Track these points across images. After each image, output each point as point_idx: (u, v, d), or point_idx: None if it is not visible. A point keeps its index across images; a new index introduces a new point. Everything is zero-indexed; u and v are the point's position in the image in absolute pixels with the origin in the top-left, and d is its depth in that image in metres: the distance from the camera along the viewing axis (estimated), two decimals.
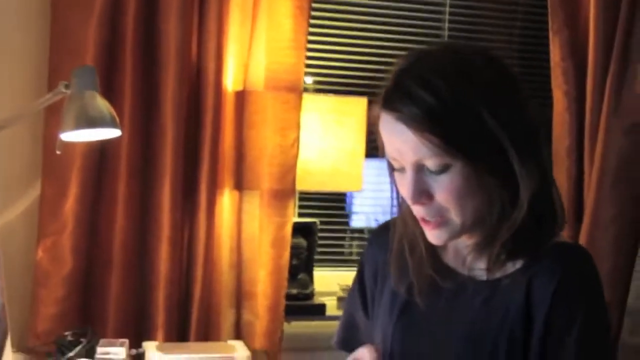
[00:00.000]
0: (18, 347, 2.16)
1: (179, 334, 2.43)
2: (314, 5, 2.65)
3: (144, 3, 2.37)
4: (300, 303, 2.68)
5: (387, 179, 1.39)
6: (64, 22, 2.33)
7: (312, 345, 2.63)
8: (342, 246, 3.10)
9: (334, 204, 3.06)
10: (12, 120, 2.02)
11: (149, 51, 2.40)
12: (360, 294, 1.57)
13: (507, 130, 1.26)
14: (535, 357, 1.29)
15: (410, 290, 1.43)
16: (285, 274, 2.55)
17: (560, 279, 1.28)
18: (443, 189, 1.27)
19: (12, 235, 2.38)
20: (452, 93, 1.24)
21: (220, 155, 2.47)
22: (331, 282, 2.82)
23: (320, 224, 2.85)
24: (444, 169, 1.26)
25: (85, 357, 2.00)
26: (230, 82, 2.49)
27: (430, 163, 1.26)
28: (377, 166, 2.87)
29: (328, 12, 2.97)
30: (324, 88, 2.97)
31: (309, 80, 2.94)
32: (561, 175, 2.77)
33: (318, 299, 2.74)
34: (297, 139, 2.54)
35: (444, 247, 1.42)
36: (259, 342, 2.50)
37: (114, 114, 1.98)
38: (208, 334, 2.46)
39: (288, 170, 2.53)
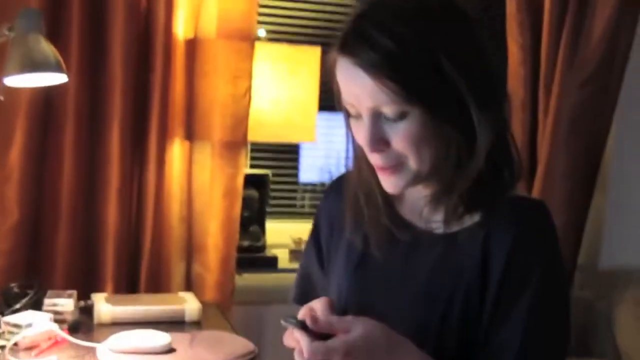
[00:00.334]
0: None
1: (128, 286, 2.40)
2: None
3: None
4: (252, 255, 2.66)
5: (339, 132, 1.36)
6: None
7: (264, 298, 2.62)
8: (294, 198, 3.08)
9: (286, 156, 3.02)
10: None
11: None
12: (315, 249, 1.54)
13: (465, 78, 1.22)
14: (490, 311, 1.27)
15: (366, 241, 1.40)
16: (237, 226, 2.52)
17: (517, 233, 1.26)
18: (400, 136, 1.24)
19: None
20: (412, 39, 1.21)
21: (171, 104, 2.42)
22: (283, 234, 2.80)
23: (272, 176, 2.82)
24: (401, 116, 1.23)
25: (32, 308, 1.94)
26: (181, 29, 2.43)
27: (388, 110, 1.23)
28: (329, 119, 2.84)
29: None
30: (277, 37, 2.91)
31: (262, 33, 2.88)
32: (516, 127, 2.76)
33: (270, 252, 2.72)
34: (249, 89, 2.49)
35: (400, 199, 1.39)
36: (210, 294, 2.47)
37: (60, 58, 1.91)
38: (158, 286, 2.43)
39: (240, 120, 2.49)
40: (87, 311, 2.07)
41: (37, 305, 1.97)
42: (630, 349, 2.66)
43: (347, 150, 1.40)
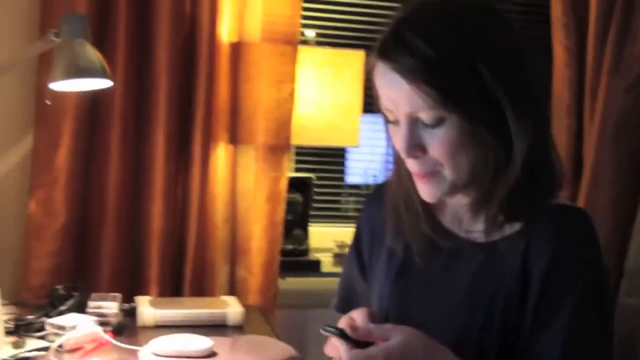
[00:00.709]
0: (11, 300, 2.13)
1: (172, 289, 2.41)
2: None
3: None
4: (295, 259, 2.66)
5: (384, 135, 1.36)
6: None
7: (307, 301, 2.62)
8: (338, 202, 3.08)
9: (331, 160, 3.02)
10: (3, 68, 1.97)
11: (143, 1, 2.35)
12: (357, 257, 1.54)
13: (503, 85, 1.22)
14: (530, 320, 1.26)
15: (407, 249, 1.40)
16: (280, 229, 2.53)
17: (558, 243, 1.25)
18: (437, 142, 1.24)
19: (5, 188, 2.36)
20: (450, 44, 1.20)
21: (215, 108, 2.43)
22: (327, 238, 2.80)
23: (316, 179, 2.82)
24: (438, 122, 1.22)
25: (77, 311, 1.97)
26: (226, 33, 2.44)
27: (425, 115, 1.22)
28: (374, 122, 2.83)
29: None
30: (322, 40, 2.91)
31: (312, 33, 2.89)
32: (561, 132, 2.73)
33: (313, 255, 2.72)
34: (293, 93, 2.50)
35: (441, 207, 1.39)
36: (253, 298, 2.48)
37: (105, 63, 1.93)
38: (202, 289, 2.44)
39: (283, 124, 2.49)
40: (130, 314, 2.09)
41: (81, 308, 2.00)
42: None
43: (387, 156, 1.40)
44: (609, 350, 1.28)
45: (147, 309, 2.06)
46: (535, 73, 1.31)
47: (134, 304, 2.12)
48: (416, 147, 1.25)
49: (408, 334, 1.20)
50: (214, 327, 2.05)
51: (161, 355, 1.79)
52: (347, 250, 1.62)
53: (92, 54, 1.89)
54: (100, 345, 1.86)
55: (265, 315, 2.28)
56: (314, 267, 2.67)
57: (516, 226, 1.29)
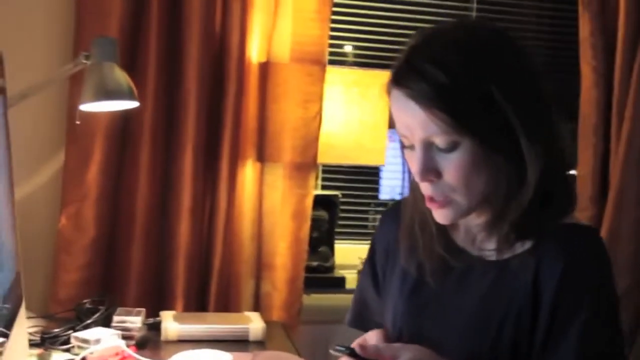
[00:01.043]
0: (39, 313, 2.19)
1: (198, 305, 2.46)
2: None
3: None
4: (320, 276, 2.69)
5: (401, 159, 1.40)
6: None
7: (331, 318, 2.63)
8: (364, 219, 3.11)
9: (357, 178, 3.05)
10: (35, 89, 2.04)
11: (173, 20, 2.41)
12: (371, 273, 1.58)
13: (516, 109, 1.25)
14: (541, 339, 1.28)
15: (420, 269, 1.43)
16: (305, 246, 2.56)
17: (567, 261, 1.27)
18: (451, 167, 1.27)
19: (37, 203, 2.42)
20: (462, 71, 1.24)
21: (243, 126, 2.48)
22: (352, 255, 2.83)
23: (343, 197, 2.85)
24: (452, 147, 1.25)
25: (103, 325, 2.02)
26: (255, 53, 2.49)
27: (439, 140, 1.26)
28: None
29: None
30: (360, 53, 2.95)
31: (349, 48, 2.93)
32: (587, 153, 2.74)
33: (338, 272, 2.75)
34: (320, 112, 2.54)
35: (454, 226, 1.42)
36: (277, 313, 2.52)
37: (132, 85, 1.99)
38: (228, 305, 2.49)
39: (310, 143, 2.54)
40: (155, 328, 2.14)
41: (107, 322, 2.04)
42: None
43: (404, 179, 1.43)
44: None
45: (171, 324, 2.11)
46: (549, 96, 1.33)
47: (158, 318, 2.17)
48: (431, 171, 1.28)
49: (417, 351, 1.23)
50: (236, 342, 2.09)
51: None
52: None
53: (120, 77, 1.95)
54: (123, 359, 1.91)
55: (288, 331, 2.32)
56: (338, 284, 2.70)
57: (527, 244, 1.32)
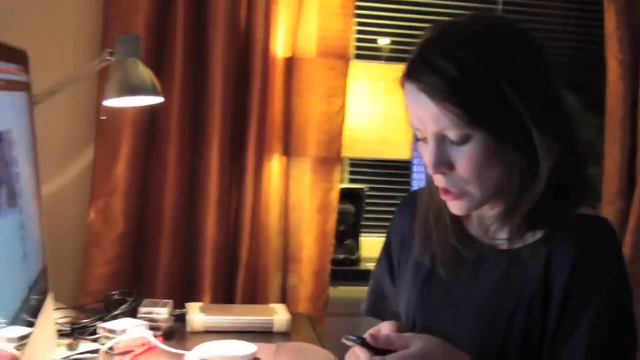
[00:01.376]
0: (70, 305, 2.24)
1: (226, 297, 2.50)
2: None
3: None
4: (346, 269, 2.72)
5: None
6: None
7: (358, 310, 2.64)
8: (391, 213, 3.11)
9: (387, 171, 3.06)
10: (62, 86, 2.08)
11: (199, 17, 2.44)
12: (387, 263, 1.60)
13: (527, 103, 1.26)
14: (552, 329, 1.29)
15: (434, 260, 1.45)
16: (331, 240, 2.59)
17: (579, 252, 1.28)
18: (464, 159, 1.28)
19: (68, 198, 2.47)
20: (474, 64, 1.25)
21: (269, 121, 2.51)
22: (379, 248, 2.82)
23: (370, 190, 2.87)
24: (465, 140, 1.27)
25: (130, 316, 2.06)
26: (280, 48, 2.52)
27: (452, 134, 1.27)
28: None
29: None
30: (396, 49, 2.97)
31: (386, 41, 2.95)
32: (614, 147, 2.73)
33: (365, 265, 2.77)
34: (344, 107, 2.57)
35: (468, 217, 1.43)
36: (304, 306, 2.55)
37: (156, 81, 2.03)
38: (255, 297, 2.52)
39: (334, 137, 2.56)
40: (182, 319, 2.17)
41: (134, 313, 2.09)
42: None
43: (421, 172, 1.45)
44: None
45: (197, 315, 2.14)
46: (560, 89, 1.34)
47: (185, 310, 2.20)
48: (443, 164, 1.30)
49: (428, 341, 1.24)
50: (262, 334, 2.12)
51: None
52: None
53: (144, 73, 1.99)
54: (149, 349, 1.95)
55: (313, 323, 2.34)
56: (365, 277, 2.69)
57: (539, 234, 1.33)
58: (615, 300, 1.29)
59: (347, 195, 2.72)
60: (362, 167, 3.02)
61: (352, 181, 2.94)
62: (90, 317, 2.07)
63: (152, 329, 2.01)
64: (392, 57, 2.98)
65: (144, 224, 2.46)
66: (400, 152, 2.70)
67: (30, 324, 1.46)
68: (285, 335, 2.16)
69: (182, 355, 1.90)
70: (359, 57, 2.89)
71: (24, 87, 1.66)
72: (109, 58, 2.00)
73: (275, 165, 2.54)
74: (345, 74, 2.57)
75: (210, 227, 2.45)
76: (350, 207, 2.75)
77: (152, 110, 2.36)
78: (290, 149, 2.57)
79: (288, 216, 2.58)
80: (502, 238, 1.37)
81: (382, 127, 2.65)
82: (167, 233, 2.45)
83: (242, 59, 2.49)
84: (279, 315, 2.20)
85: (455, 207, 1.35)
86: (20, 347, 1.34)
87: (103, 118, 2.09)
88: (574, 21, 3.16)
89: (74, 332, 2.00)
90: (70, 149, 2.48)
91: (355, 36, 2.84)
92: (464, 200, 1.33)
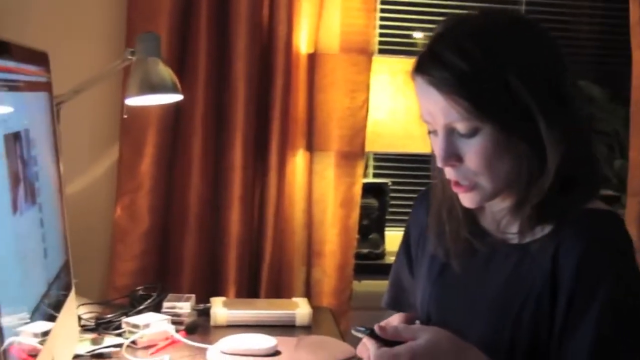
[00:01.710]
0: (97, 300, 2.28)
1: (250, 291, 2.53)
2: None
3: None
4: (370, 262, 2.74)
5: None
6: None
7: (381, 304, 2.68)
8: None
9: (411, 165, 3.06)
10: (86, 85, 2.12)
11: (221, 15, 2.47)
12: (406, 256, 1.62)
13: (535, 96, 1.27)
14: (560, 323, 1.30)
15: (447, 254, 1.46)
16: (354, 234, 2.61)
17: (586, 245, 1.28)
18: (472, 152, 1.30)
19: (94, 195, 2.51)
20: (482, 58, 1.26)
21: (292, 116, 2.53)
22: None
23: (394, 184, 2.88)
24: (473, 133, 1.28)
25: (154, 310, 2.10)
26: (303, 44, 2.54)
27: (460, 126, 1.29)
28: None
29: None
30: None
31: (419, 34, 2.97)
32: (639, 138, 2.70)
33: (389, 259, 2.78)
34: (366, 101, 2.58)
35: (481, 210, 1.45)
36: (328, 300, 2.58)
37: (175, 79, 2.06)
38: (279, 291, 2.55)
39: (357, 132, 2.58)
40: (205, 313, 2.20)
41: (158, 308, 2.12)
42: None
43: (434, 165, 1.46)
44: (637, 356, 1.30)
45: (220, 309, 2.18)
46: (568, 81, 1.34)
47: (208, 304, 2.23)
48: (452, 156, 1.31)
49: (435, 332, 1.26)
50: (284, 327, 2.15)
51: (228, 353, 1.90)
52: None
53: (164, 71, 2.02)
54: (172, 343, 1.98)
55: (335, 317, 2.37)
56: (389, 271, 2.72)
57: (547, 229, 1.34)
58: (621, 294, 1.27)
59: (370, 190, 2.73)
60: (387, 162, 3.02)
61: (376, 175, 2.95)
62: (115, 312, 2.10)
63: (175, 323, 2.05)
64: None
65: (169, 219, 2.50)
66: (423, 145, 2.67)
67: (52, 319, 1.49)
68: (307, 329, 2.19)
69: (203, 349, 1.93)
70: (386, 51, 2.90)
71: (45, 87, 1.70)
72: (130, 57, 2.04)
73: (298, 160, 2.56)
74: (367, 69, 2.58)
75: (234, 222, 2.48)
76: (373, 202, 2.76)
77: (176, 107, 2.39)
78: (313, 144, 2.59)
79: (311, 210, 2.60)
80: (512, 232, 1.38)
81: (405, 121, 2.66)
82: (191, 228, 2.48)
83: (265, 55, 2.51)
84: (300, 309, 2.22)
85: (467, 199, 1.37)
86: (42, 342, 1.37)
87: (125, 116, 2.12)
88: (600, 12, 3.14)
89: (99, 327, 2.04)
90: (96, 146, 2.53)
91: (379, 31, 2.85)
92: (474, 193, 1.34)
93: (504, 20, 1.35)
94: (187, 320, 2.11)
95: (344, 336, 2.18)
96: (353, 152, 2.58)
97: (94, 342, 1.93)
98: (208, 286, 2.48)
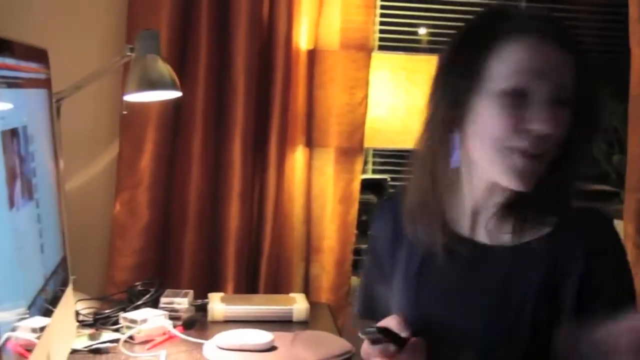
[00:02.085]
0: (96, 295, 2.30)
1: (249, 287, 2.54)
2: None
3: None
4: None
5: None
6: None
7: None
8: None
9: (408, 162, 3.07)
10: (86, 81, 2.13)
11: (221, 12, 2.47)
12: (375, 265, 1.58)
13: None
14: (567, 321, 1.30)
15: (426, 251, 1.44)
16: (353, 229, 2.62)
17: (588, 247, 1.31)
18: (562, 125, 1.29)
19: (93, 190, 2.53)
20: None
21: (291, 112, 2.54)
22: None
23: (392, 180, 2.89)
24: (569, 103, 1.30)
25: (152, 306, 2.11)
26: (302, 40, 2.55)
27: (564, 94, 1.29)
28: None
29: None
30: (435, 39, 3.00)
31: (422, 31, 2.97)
32: (637, 135, 2.70)
33: None
34: (366, 98, 2.59)
35: (460, 214, 1.43)
36: (326, 295, 2.59)
37: (174, 76, 2.07)
38: (278, 287, 2.56)
39: (356, 128, 2.59)
40: (203, 309, 2.21)
41: (156, 303, 2.14)
42: None
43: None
44: None
45: (217, 305, 2.19)
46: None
47: (206, 300, 2.25)
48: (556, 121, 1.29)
49: None
50: (281, 323, 2.16)
51: (224, 349, 1.91)
52: None
53: (163, 68, 2.04)
54: (169, 338, 2.00)
55: (333, 312, 2.38)
56: None
57: (545, 230, 1.34)
58: (625, 288, 1.34)
59: (369, 186, 2.75)
60: (387, 158, 3.03)
61: (376, 172, 2.96)
62: (113, 308, 2.12)
63: (172, 318, 2.06)
64: (425, 48, 3.00)
65: (168, 215, 2.51)
66: None
67: (49, 314, 1.51)
68: (304, 324, 2.20)
69: (200, 344, 1.94)
70: (387, 48, 2.90)
71: (44, 84, 1.71)
72: (129, 54, 2.05)
73: (297, 156, 2.58)
74: (367, 65, 2.59)
75: (234, 218, 2.49)
76: (373, 197, 2.77)
77: (176, 104, 2.40)
78: (313, 140, 2.60)
79: (310, 206, 2.62)
80: (504, 233, 1.38)
81: (405, 117, 2.67)
82: (191, 224, 2.49)
83: (265, 52, 2.52)
84: (297, 305, 2.24)
85: (525, 172, 1.31)
86: (39, 337, 1.39)
87: (124, 112, 2.13)
88: (599, 9, 3.14)
89: (96, 322, 2.05)
90: (96, 143, 2.54)
91: (379, 27, 2.86)
92: (536, 165, 1.31)
93: None
94: (184, 315, 2.12)
95: (342, 332, 2.19)
96: (352, 148, 2.59)
97: (92, 337, 1.95)
98: (207, 282, 2.49)
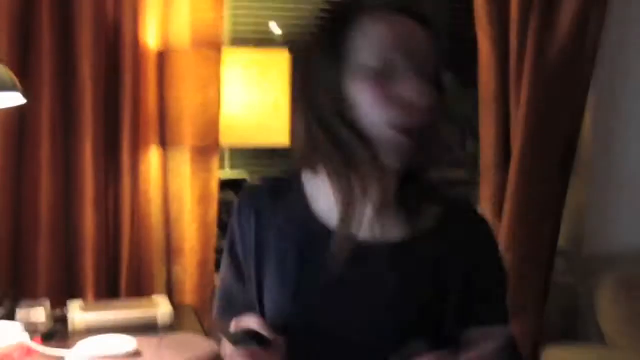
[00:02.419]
0: None
1: (110, 292, 2.46)
2: None
3: None
4: None
5: None
6: None
7: None
8: None
9: (265, 160, 3.06)
10: None
11: (64, 11, 2.39)
12: (233, 262, 1.46)
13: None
14: (454, 312, 1.30)
15: (298, 247, 1.39)
16: (214, 229, 2.58)
17: (475, 234, 1.35)
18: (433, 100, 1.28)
19: None
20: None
21: (143, 113, 2.48)
22: None
23: (251, 178, 2.87)
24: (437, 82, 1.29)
25: (7, 319, 2.01)
26: (150, 40, 2.49)
27: (430, 70, 1.28)
28: None
29: None
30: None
31: (275, 26, 2.96)
32: (489, 119, 2.78)
33: None
34: (219, 96, 2.55)
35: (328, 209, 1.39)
36: (190, 297, 2.54)
37: (14, 78, 1.97)
38: (140, 290, 2.50)
39: (211, 127, 2.55)
40: (63, 320, 2.13)
41: (12, 316, 2.04)
42: (612, 332, 2.69)
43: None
44: None
45: (78, 314, 2.11)
46: None
47: (65, 309, 2.16)
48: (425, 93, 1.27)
49: None
50: (145, 328, 2.10)
51: (86, 359, 1.84)
52: None
53: (1, 70, 1.93)
54: (28, 353, 1.90)
55: (198, 314, 2.33)
56: None
57: (428, 224, 1.33)
58: (503, 272, 1.39)
59: (229, 185, 2.71)
60: (244, 157, 3.01)
61: (234, 168, 2.93)
62: None
63: (29, 331, 1.97)
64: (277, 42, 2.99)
65: (20, 226, 2.40)
66: (278, 137, 2.70)
67: None
68: (170, 328, 2.14)
69: (61, 357, 1.86)
70: (240, 42, 2.88)
71: None
72: None
73: (152, 158, 2.52)
74: (218, 62, 2.55)
75: (89, 225, 2.41)
76: (232, 196, 2.74)
77: (21, 111, 2.29)
78: (167, 140, 2.55)
79: (168, 208, 2.56)
80: (389, 226, 1.35)
81: (260, 114, 2.66)
82: (44, 234, 2.39)
83: (112, 52, 2.45)
84: (161, 309, 2.18)
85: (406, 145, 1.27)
86: None
87: None
88: None
89: None
90: None
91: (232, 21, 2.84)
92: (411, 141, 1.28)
93: None
94: (43, 327, 2.03)
95: (208, 333, 2.14)
96: (208, 147, 2.55)
97: None
98: (66, 290, 2.40)
